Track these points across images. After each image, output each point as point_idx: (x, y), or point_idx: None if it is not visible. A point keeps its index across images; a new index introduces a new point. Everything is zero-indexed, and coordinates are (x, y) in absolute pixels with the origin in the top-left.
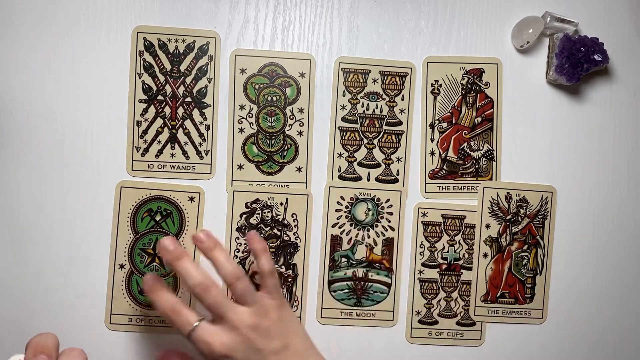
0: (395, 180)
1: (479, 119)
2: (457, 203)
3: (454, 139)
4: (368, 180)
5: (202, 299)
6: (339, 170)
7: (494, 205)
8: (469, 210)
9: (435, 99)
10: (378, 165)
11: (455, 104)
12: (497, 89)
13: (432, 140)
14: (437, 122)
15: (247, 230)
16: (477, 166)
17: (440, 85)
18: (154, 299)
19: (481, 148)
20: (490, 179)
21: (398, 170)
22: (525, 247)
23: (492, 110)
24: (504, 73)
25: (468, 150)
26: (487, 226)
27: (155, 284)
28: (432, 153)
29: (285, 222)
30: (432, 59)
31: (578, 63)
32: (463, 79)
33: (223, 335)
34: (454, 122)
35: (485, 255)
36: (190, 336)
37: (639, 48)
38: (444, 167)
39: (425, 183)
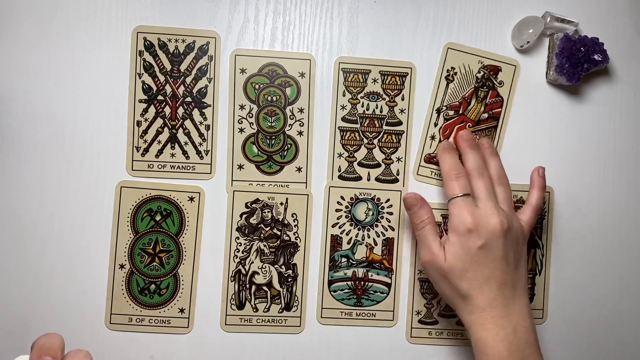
0: (395, 180)
1: (486, 115)
2: None
3: (457, 129)
4: (368, 180)
5: (476, 180)
6: (339, 170)
7: None
8: None
9: (447, 85)
10: (378, 165)
11: (466, 95)
12: (509, 90)
13: (435, 125)
14: (444, 108)
15: (246, 231)
16: None
17: (456, 74)
18: (444, 157)
19: None
20: None
21: (398, 170)
22: None
23: (500, 109)
24: (520, 76)
25: None
26: None
27: (449, 147)
28: (433, 137)
29: (285, 222)
30: (453, 45)
31: (578, 63)
32: (479, 72)
33: (482, 216)
34: (461, 112)
35: None
36: (456, 199)
37: (639, 48)
38: None
39: (419, 165)
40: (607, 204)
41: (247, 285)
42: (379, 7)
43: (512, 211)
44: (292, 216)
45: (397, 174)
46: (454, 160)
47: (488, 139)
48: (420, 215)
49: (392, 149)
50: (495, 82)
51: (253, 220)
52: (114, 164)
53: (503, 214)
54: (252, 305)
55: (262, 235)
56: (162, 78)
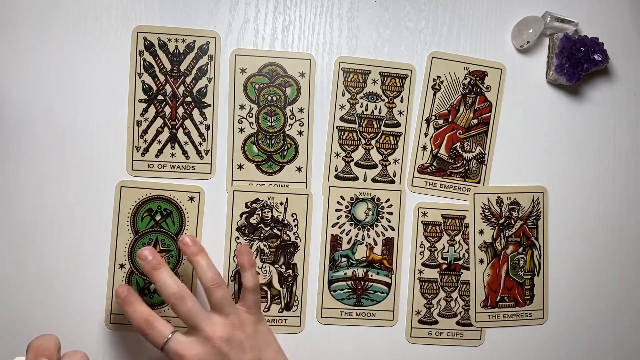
0: (392, 182)
1: (476, 120)
2: (457, 203)
3: (447, 137)
4: (364, 180)
5: (176, 309)
6: (336, 170)
7: (485, 210)
8: (469, 210)
9: (435, 94)
10: (375, 166)
11: (454, 103)
12: (497, 94)
13: (426, 135)
14: (433, 117)
15: (246, 230)
16: (467, 167)
17: (442, 82)
18: (127, 311)
19: (473, 150)
20: (479, 182)
21: (395, 171)
22: (520, 250)
23: (489, 114)
24: (506, 79)
25: (460, 150)
26: (481, 232)
27: (129, 295)
28: (424, 148)
29: (285, 221)
30: (437, 54)
31: (578, 63)
32: (465, 78)
33: (196, 346)
34: (450, 120)
35: (481, 261)
36: (164, 349)
37: (639, 48)
38: (434, 163)
39: (413, 177)
40: (607, 203)
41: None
42: (379, 7)
43: (232, 308)
44: (292, 216)
45: (394, 176)
46: (143, 308)
47: (188, 236)
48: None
49: (389, 151)
50: (482, 87)
51: (253, 220)
52: (114, 164)
53: (217, 328)
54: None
55: (262, 235)
56: (162, 78)
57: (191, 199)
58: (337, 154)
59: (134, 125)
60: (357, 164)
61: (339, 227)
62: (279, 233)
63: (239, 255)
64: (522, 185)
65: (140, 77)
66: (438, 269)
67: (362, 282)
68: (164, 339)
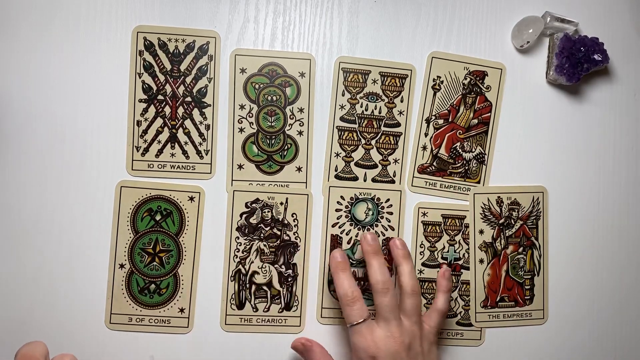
0: (392, 182)
1: (476, 120)
2: (457, 203)
3: (447, 137)
4: (364, 180)
5: (380, 297)
6: (336, 170)
7: (485, 210)
8: (469, 210)
9: (435, 94)
10: (375, 166)
11: (454, 103)
12: (497, 94)
13: (426, 135)
14: (433, 117)
15: (246, 230)
16: (467, 167)
17: (442, 82)
18: (338, 277)
19: (473, 150)
20: (479, 182)
21: (395, 171)
22: (520, 250)
23: (489, 114)
24: (506, 79)
25: (460, 150)
26: (481, 232)
27: (343, 261)
28: (424, 148)
29: (285, 221)
30: (437, 54)
31: (578, 63)
32: (465, 78)
33: (382, 339)
34: (450, 120)
35: (481, 261)
36: (355, 326)
37: (639, 48)
38: (434, 163)
39: (413, 177)
40: (607, 203)
41: (247, 285)
42: (379, 7)
43: (419, 320)
44: (292, 216)
45: (394, 176)
46: (347, 282)
47: (401, 240)
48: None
49: (389, 151)
50: (482, 87)
51: (253, 220)
52: (114, 164)
53: (404, 332)
54: (252, 305)
55: (262, 235)
56: (162, 78)
57: (191, 199)
58: (337, 154)
59: (134, 125)
60: (357, 164)
61: (339, 227)
62: (279, 233)
63: (441, 278)
64: (522, 185)
65: (140, 77)
66: (438, 269)
67: (362, 282)
68: (361, 318)
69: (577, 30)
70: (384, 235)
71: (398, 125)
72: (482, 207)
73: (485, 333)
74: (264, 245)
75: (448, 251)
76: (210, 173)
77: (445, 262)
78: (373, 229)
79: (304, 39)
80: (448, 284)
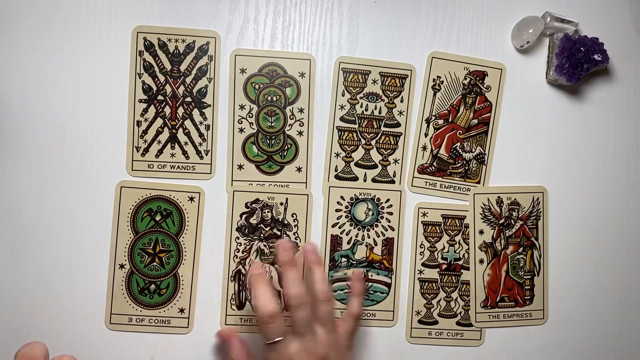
0: (392, 182)
1: (476, 121)
2: (457, 203)
3: (447, 137)
4: (364, 180)
5: (295, 311)
6: (336, 170)
7: (485, 210)
8: (469, 210)
9: (435, 94)
10: (375, 167)
11: (454, 103)
12: (497, 94)
13: (426, 135)
14: (433, 117)
15: (246, 230)
16: (467, 167)
17: (442, 82)
18: (257, 291)
19: (473, 150)
20: (479, 182)
21: (395, 171)
22: (520, 250)
23: (489, 114)
24: (506, 79)
25: (460, 151)
26: (481, 232)
27: (261, 275)
28: (424, 148)
29: (285, 222)
30: (437, 54)
31: (578, 63)
32: (465, 79)
33: (297, 354)
34: (450, 120)
35: (481, 261)
36: (272, 345)
37: (639, 48)
38: (434, 163)
39: (413, 177)
40: (607, 203)
41: (247, 285)
42: (379, 7)
43: (332, 327)
44: (292, 216)
45: (394, 176)
46: (267, 297)
47: (312, 245)
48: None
49: (389, 151)
50: (482, 87)
51: (253, 220)
52: (114, 164)
53: (319, 343)
54: (252, 305)
55: (262, 235)
56: (162, 78)
57: (191, 199)
58: (337, 154)
59: (134, 125)
60: (357, 164)
61: (339, 227)
62: (279, 233)
63: (354, 280)
64: (522, 185)
65: (140, 77)
66: (438, 269)
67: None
68: (278, 336)
69: (577, 30)
70: (384, 235)
71: (398, 125)
72: (482, 207)
73: (485, 333)
74: (264, 245)
75: (448, 251)
76: (210, 173)
77: (445, 262)
78: (373, 229)
79: (304, 39)
80: (360, 286)
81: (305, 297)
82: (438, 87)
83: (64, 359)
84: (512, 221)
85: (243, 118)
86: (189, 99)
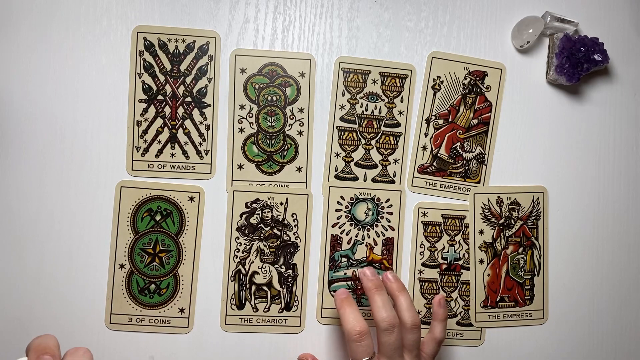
0: (392, 182)
1: (476, 120)
2: (457, 203)
3: (447, 137)
4: (364, 180)
5: (385, 336)
6: (336, 170)
7: (485, 210)
8: (469, 210)
9: (435, 94)
10: (375, 166)
11: (454, 103)
12: (497, 94)
13: (426, 135)
14: (433, 117)
15: (246, 230)
16: (467, 167)
17: (442, 82)
18: (345, 312)
19: (473, 150)
20: (479, 182)
21: (395, 171)
22: (520, 250)
23: (489, 114)
24: (506, 79)
25: (460, 150)
26: (481, 232)
27: (348, 297)
28: (424, 148)
29: (285, 222)
30: (437, 54)
31: (578, 63)
32: (465, 79)
33: None
34: (450, 120)
35: (481, 261)
36: None
37: (639, 48)
38: (434, 163)
39: (413, 177)
40: (607, 203)
41: (247, 285)
42: (379, 7)
43: (418, 353)
44: (292, 216)
45: (394, 176)
46: (354, 317)
47: (392, 273)
48: None
49: (389, 151)
50: (482, 87)
51: (253, 220)
52: (114, 164)
53: None
54: (252, 305)
55: (262, 235)
56: (162, 78)
57: (191, 199)
58: (337, 154)
59: (134, 125)
60: (357, 164)
61: (339, 227)
62: (279, 233)
63: (437, 306)
64: (522, 185)
65: (140, 77)
66: (438, 269)
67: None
68: (367, 356)
69: (577, 30)
70: (384, 235)
71: (398, 125)
72: (482, 207)
73: (485, 333)
74: (264, 245)
75: (448, 251)
76: (210, 173)
77: (445, 262)
78: (373, 229)
79: (304, 39)
80: (444, 312)
81: (396, 321)
82: (438, 87)
83: (79, 351)
84: (512, 221)
85: (243, 118)
86: (189, 99)
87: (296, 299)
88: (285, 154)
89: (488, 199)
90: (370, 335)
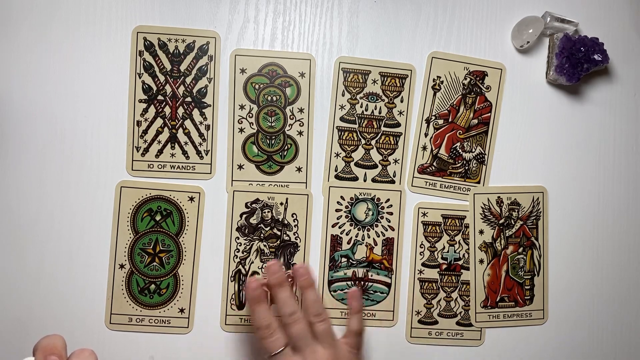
0: (392, 182)
1: (476, 121)
2: (457, 203)
3: (447, 137)
4: (364, 180)
5: (289, 328)
6: (336, 170)
7: (485, 210)
8: (469, 210)
9: (435, 94)
10: (375, 167)
11: (454, 103)
12: (497, 94)
13: (426, 135)
14: (433, 117)
15: (246, 230)
16: (467, 167)
17: (442, 82)
18: (254, 310)
19: (473, 150)
20: (479, 182)
21: (395, 171)
22: (520, 250)
23: (489, 114)
24: (506, 79)
25: (460, 151)
26: (481, 232)
27: (259, 294)
28: (424, 148)
29: (285, 222)
30: (437, 54)
31: (578, 63)
32: (465, 79)
33: None
34: (450, 120)
35: (481, 261)
36: (274, 357)
37: (639, 48)
38: (434, 163)
39: (413, 177)
40: (607, 203)
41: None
42: (379, 7)
43: (332, 342)
44: (292, 216)
45: (394, 176)
46: (264, 314)
47: (303, 267)
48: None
49: (389, 151)
50: (482, 87)
51: (253, 220)
52: (114, 164)
53: (318, 358)
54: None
55: (262, 235)
56: (162, 78)
57: (191, 199)
58: (337, 154)
59: (134, 125)
60: (357, 164)
61: (339, 227)
62: (279, 233)
63: (351, 299)
64: (522, 185)
65: (140, 77)
66: (438, 269)
67: (362, 282)
68: (278, 349)
69: (577, 30)
70: (384, 235)
71: (398, 125)
72: (482, 207)
73: (485, 333)
74: (264, 245)
75: (448, 251)
76: (210, 173)
77: (445, 262)
78: (373, 229)
79: (304, 39)
80: (358, 304)
81: (299, 313)
82: (438, 87)
83: (84, 353)
84: (512, 221)
85: (243, 118)
86: (189, 99)
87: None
88: (285, 154)
89: (488, 199)
90: (278, 328)
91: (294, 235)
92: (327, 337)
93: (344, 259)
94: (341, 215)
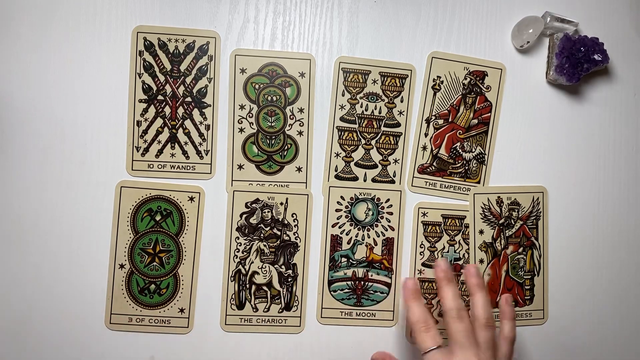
0: (392, 182)
1: (476, 120)
2: (457, 203)
3: (447, 137)
4: (364, 180)
5: (455, 323)
6: (336, 170)
7: (485, 210)
8: (469, 210)
9: (435, 94)
10: (375, 166)
11: (454, 103)
12: (497, 94)
13: (426, 135)
14: (433, 117)
15: (246, 230)
16: (467, 167)
17: (442, 82)
18: (410, 306)
19: (473, 150)
20: (479, 182)
21: (395, 171)
22: (520, 250)
23: (489, 114)
24: (506, 79)
25: (460, 150)
26: (481, 232)
27: (416, 291)
28: (424, 148)
29: (285, 222)
30: (437, 54)
31: (578, 63)
32: (465, 79)
33: None
34: (450, 120)
35: (481, 261)
36: (429, 353)
37: (639, 48)
38: (434, 163)
39: (413, 177)
40: (607, 203)
41: (247, 285)
42: (379, 7)
43: (493, 354)
44: (292, 216)
45: (394, 176)
46: (421, 309)
47: (475, 267)
48: None
49: (389, 151)
50: (482, 87)
51: (253, 220)
52: (114, 164)
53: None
54: (252, 305)
55: (262, 235)
56: (162, 78)
57: (191, 199)
58: (337, 154)
59: (134, 125)
60: (357, 164)
61: (339, 227)
62: (279, 233)
63: (504, 304)
64: (522, 185)
65: (140, 77)
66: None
67: (362, 282)
68: (433, 346)
69: (577, 30)
70: (384, 235)
71: (398, 125)
72: (482, 207)
73: None
74: (264, 245)
75: (448, 251)
76: (210, 173)
77: None
78: (373, 229)
79: (304, 39)
80: (511, 309)
81: (464, 309)
82: (438, 87)
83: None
84: (512, 221)
85: (243, 118)
86: (189, 99)
87: (296, 299)
88: (285, 154)
89: (488, 199)
90: (435, 325)
91: (294, 235)
92: (489, 347)
93: (344, 259)
94: (341, 215)
